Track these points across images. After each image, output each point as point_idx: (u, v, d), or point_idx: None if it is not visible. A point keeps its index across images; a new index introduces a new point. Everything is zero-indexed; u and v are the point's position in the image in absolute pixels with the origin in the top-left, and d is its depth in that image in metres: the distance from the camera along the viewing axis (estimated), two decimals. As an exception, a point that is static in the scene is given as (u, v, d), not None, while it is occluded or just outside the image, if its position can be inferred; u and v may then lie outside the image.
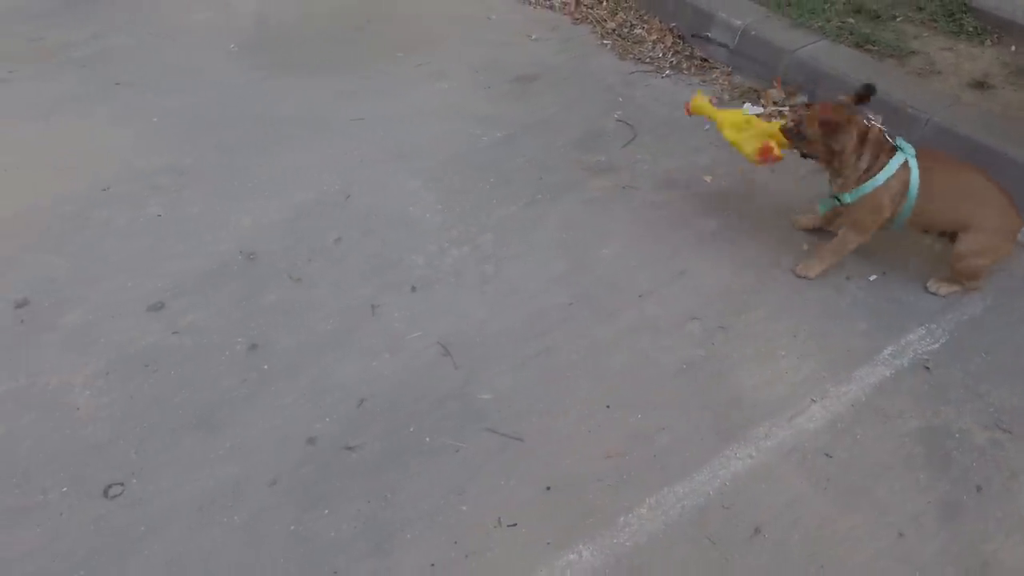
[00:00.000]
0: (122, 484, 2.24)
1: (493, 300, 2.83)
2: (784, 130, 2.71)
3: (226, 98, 3.91)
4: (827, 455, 2.35)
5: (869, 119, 2.62)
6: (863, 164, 2.62)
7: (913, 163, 2.61)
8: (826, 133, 2.55)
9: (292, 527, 2.16)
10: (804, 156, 2.75)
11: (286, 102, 3.89)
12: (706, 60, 4.20)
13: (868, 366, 2.62)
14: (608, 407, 2.48)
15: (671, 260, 3.00)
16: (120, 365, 2.57)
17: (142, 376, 2.54)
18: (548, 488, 2.26)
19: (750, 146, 2.81)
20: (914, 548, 2.12)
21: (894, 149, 2.63)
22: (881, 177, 2.60)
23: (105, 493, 2.22)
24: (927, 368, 2.60)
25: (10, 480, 2.24)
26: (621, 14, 4.58)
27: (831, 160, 2.66)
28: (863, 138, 2.58)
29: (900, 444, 2.38)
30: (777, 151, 2.76)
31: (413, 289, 2.89)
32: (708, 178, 3.43)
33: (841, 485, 2.27)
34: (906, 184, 2.61)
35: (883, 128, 2.64)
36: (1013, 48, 3.77)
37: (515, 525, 2.17)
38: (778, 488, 2.26)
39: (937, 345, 2.68)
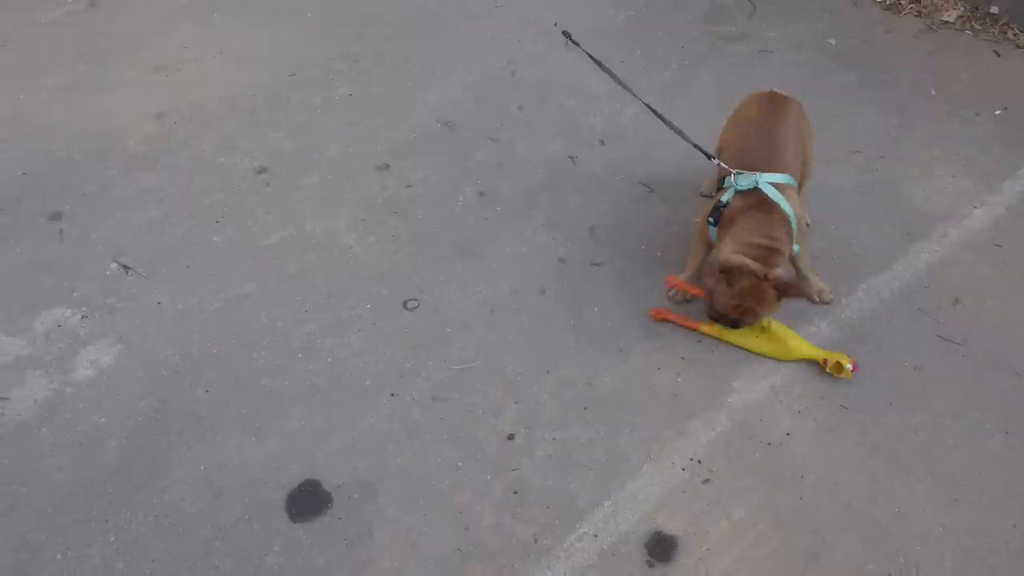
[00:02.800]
0: (416, 300, 2.61)
1: (675, 147, 3.20)
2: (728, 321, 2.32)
3: (364, -5, 4.16)
4: (997, 245, 2.79)
5: (765, 274, 2.19)
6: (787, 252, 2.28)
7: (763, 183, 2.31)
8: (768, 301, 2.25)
9: (572, 322, 2.56)
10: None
11: (422, -4, 4.15)
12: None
13: (1012, 180, 3.05)
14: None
15: (822, 107, 3.37)
16: (372, 213, 2.91)
17: (395, 220, 2.89)
18: (773, 283, 2.67)
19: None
20: (1085, 304, 2.59)
21: (762, 202, 2.29)
22: (792, 221, 2.30)
23: (404, 306, 2.59)
24: (1062, 178, 3.05)
25: (321, 303, 2.60)
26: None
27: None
28: (775, 284, 2.20)
29: (1054, 234, 2.83)
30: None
31: (601, 143, 3.25)
32: (832, 41, 3.80)
33: (1015, 264, 2.72)
34: (793, 198, 2.34)
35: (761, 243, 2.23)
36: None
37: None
38: (964, 271, 2.71)
39: (1066, 160, 3.12)
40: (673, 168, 3.11)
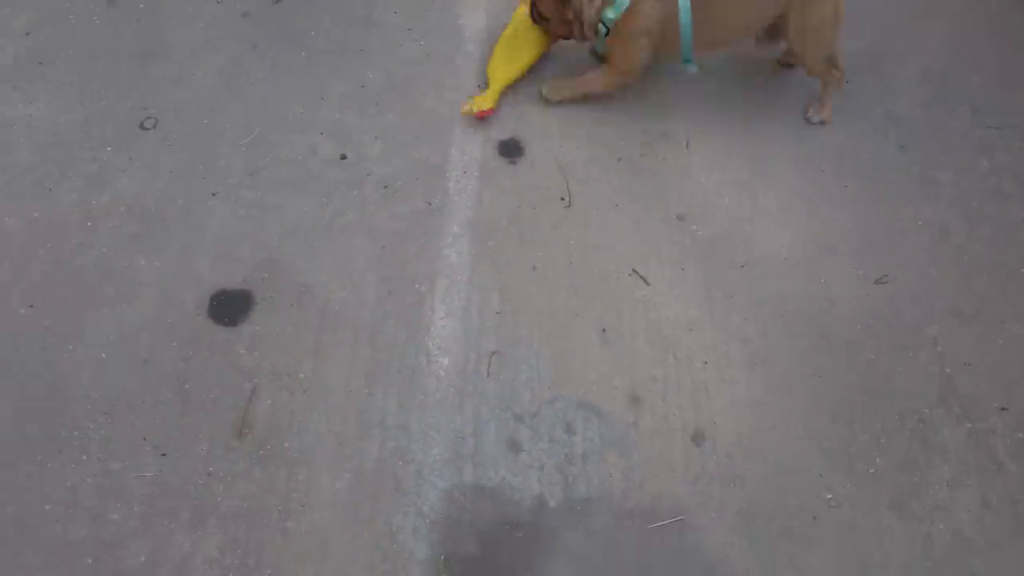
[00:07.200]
0: (151, 117, 2.38)
1: None
2: (531, 15, 2.43)
3: None
4: None
5: None
6: (595, 5, 2.25)
7: None
8: (556, 5, 2.31)
9: (302, 54, 2.57)
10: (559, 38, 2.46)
11: None
12: None
13: None
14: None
15: None
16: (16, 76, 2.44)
17: (47, 70, 2.46)
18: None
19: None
20: None
21: None
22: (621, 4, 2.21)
23: (141, 127, 2.35)
24: None
25: (22, 178, 2.23)
26: None
27: (579, 32, 2.34)
28: None
29: None
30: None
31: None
32: None
33: None
34: (669, 3, 2.19)
35: None
36: None
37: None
38: None
39: None
40: None
